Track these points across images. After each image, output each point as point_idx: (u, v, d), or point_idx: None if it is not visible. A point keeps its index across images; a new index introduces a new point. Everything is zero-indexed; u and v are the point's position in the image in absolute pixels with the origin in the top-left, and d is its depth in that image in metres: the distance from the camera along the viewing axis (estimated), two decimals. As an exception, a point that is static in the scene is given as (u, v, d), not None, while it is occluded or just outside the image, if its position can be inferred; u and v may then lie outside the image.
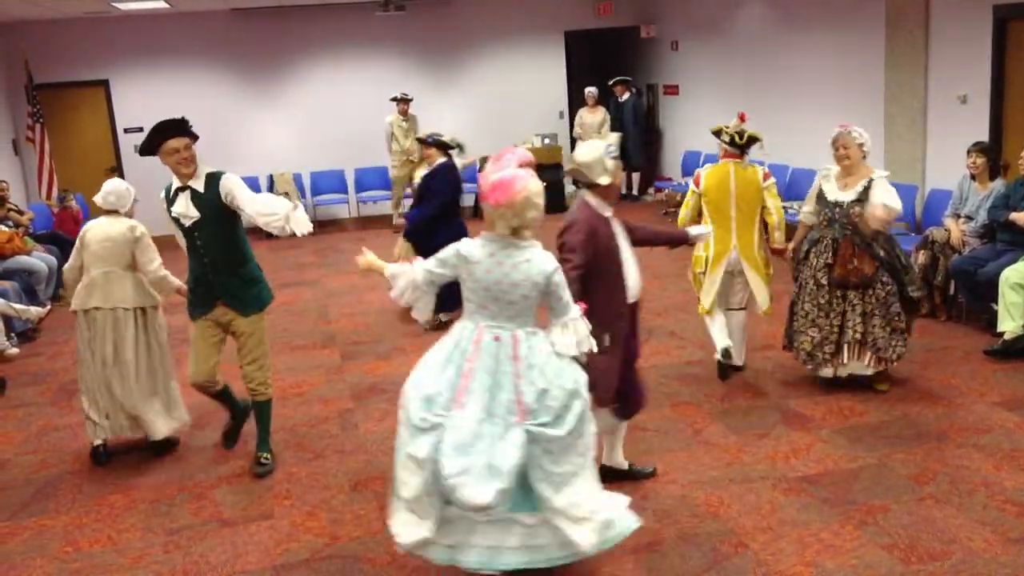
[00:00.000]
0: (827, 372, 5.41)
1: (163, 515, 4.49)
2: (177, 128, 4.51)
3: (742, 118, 5.73)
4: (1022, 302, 5.89)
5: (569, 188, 13.41)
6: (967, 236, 6.64)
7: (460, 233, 6.57)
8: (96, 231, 5.16)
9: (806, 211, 5.58)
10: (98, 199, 5.20)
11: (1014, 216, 6.21)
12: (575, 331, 3.50)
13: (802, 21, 9.73)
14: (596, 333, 3.69)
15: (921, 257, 6.84)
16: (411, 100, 12.07)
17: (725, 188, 5.54)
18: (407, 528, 3.41)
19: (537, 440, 3.32)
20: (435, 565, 3.78)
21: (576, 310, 3.52)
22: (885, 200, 5.13)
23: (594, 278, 3.91)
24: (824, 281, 5.31)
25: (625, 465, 4.52)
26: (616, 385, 4.09)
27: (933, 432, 4.89)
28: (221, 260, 4.70)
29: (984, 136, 7.15)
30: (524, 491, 3.35)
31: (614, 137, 4.56)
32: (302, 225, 4.41)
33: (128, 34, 12.32)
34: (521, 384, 3.36)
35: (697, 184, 5.68)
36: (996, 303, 6.08)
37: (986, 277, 6.18)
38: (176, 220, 4.65)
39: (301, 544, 4.13)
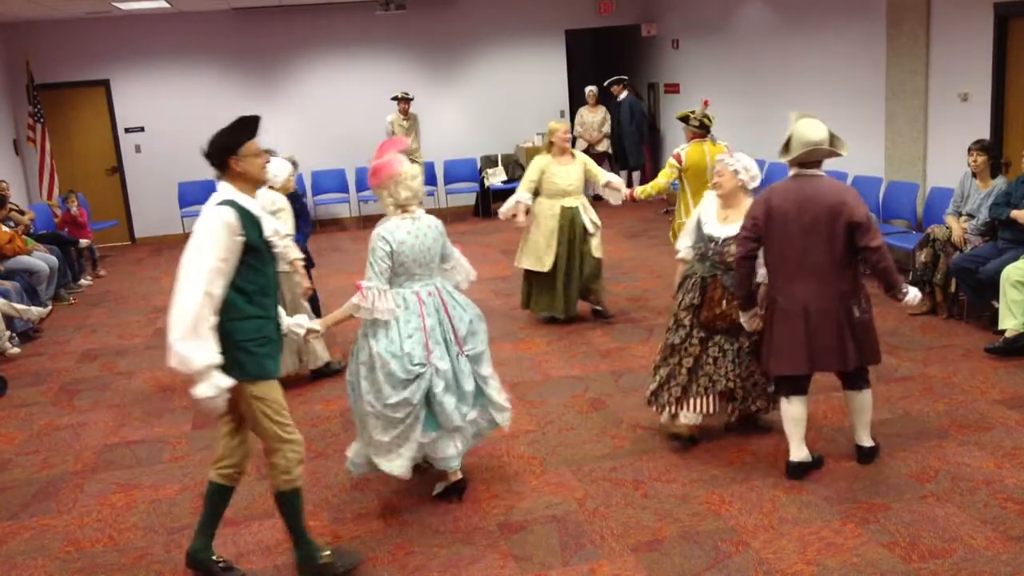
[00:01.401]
0: (664, 417, 4.79)
1: (164, 514, 4.49)
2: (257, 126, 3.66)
3: (706, 104, 7.08)
4: (1023, 300, 5.89)
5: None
6: (968, 234, 6.64)
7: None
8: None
9: (684, 245, 4.83)
10: None
11: (1015, 214, 6.20)
12: (462, 267, 4.52)
13: (803, 19, 9.72)
14: (862, 299, 4.28)
15: (922, 255, 6.84)
16: (412, 99, 12.07)
17: (702, 163, 6.70)
18: (397, 461, 4.21)
19: (471, 358, 4.34)
20: (433, 563, 3.83)
21: (457, 252, 4.50)
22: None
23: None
24: (687, 322, 4.61)
25: (871, 442, 4.59)
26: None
27: (934, 430, 4.88)
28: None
29: (985, 134, 7.14)
30: (475, 396, 4.39)
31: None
32: None
33: (129, 34, 12.32)
34: (454, 322, 4.29)
35: (680, 162, 6.79)
36: (997, 301, 6.08)
37: (987, 275, 6.18)
38: (269, 245, 3.63)
39: (302, 543, 4.13)
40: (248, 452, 3.80)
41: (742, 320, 4.49)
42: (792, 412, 4.38)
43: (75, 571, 4.03)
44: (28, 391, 6.58)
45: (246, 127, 3.56)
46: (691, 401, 4.66)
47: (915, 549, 3.73)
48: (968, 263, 6.38)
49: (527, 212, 7.02)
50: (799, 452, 4.42)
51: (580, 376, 6.09)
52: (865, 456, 4.53)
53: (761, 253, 4.35)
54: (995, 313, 6.15)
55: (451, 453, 4.29)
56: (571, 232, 6.90)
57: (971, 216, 6.71)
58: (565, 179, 6.93)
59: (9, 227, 8.63)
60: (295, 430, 3.68)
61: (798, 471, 4.40)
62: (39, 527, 4.46)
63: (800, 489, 4.31)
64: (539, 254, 6.96)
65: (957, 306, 6.76)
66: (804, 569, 3.65)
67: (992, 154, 6.67)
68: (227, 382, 3.36)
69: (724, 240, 4.51)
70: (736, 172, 4.51)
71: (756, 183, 4.53)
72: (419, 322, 4.18)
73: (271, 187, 5.92)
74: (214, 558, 3.83)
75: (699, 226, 4.69)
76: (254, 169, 3.56)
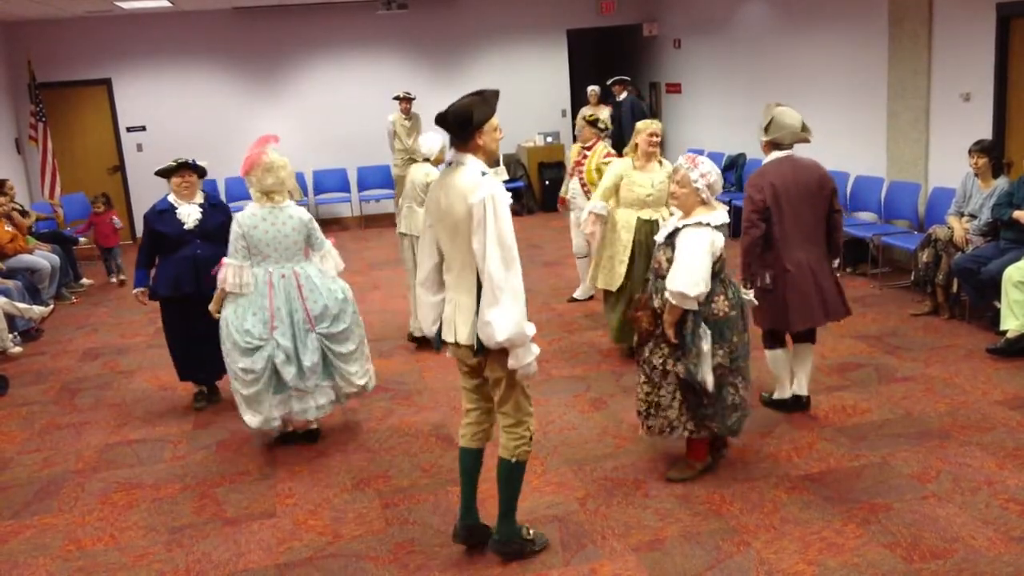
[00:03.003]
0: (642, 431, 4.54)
1: (165, 513, 4.50)
2: None
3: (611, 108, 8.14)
4: (1025, 300, 5.89)
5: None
6: (970, 234, 6.63)
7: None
8: (411, 172, 6.75)
9: None
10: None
11: (1018, 214, 6.20)
12: (332, 257, 5.09)
13: (805, 19, 9.72)
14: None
15: (924, 255, 6.84)
16: (413, 99, 12.04)
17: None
18: (253, 417, 4.93)
19: (327, 337, 4.95)
20: (434, 563, 3.84)
21: (328, 244, 5.09)
22: (673, 284, 4.02)
23: None
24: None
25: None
26: None
27: (936, 430, 4.88)
28: None
29: (987, 134, 7.13)
30: (325, 368, 5.01)
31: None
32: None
33: (131, 33, 12.32)
34: (307, 303, 4.88)
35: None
36: (999, 301, 6.07)
37: (989, 275, 6.17)
38: None
39: (303, 542, 4.13)
40: (495, 418, 3.89)
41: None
42: (782, 356, 5.12)
43: (76, 570, 4.03)
44: (29, 390, 6.58)
45: (489, 103, 3.56)
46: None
47: (916, 550, 3.73)
48: (970, 263, 6.37)
49: (602, 223, 6.25)
50: (787, 390, 5.19)
51: (581, 376, 6.08)
52: (806, 404, 5.21)
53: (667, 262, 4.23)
54: (997, 313, 6.14)
55: (304, 407, 4.99)
56: (647, 249, 5.86)
57: (973, 216, 6.71)
58: (645, 187, 6.01)
59: (10, 228, 8.62)
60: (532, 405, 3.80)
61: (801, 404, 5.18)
62: (40, 526, 4.47)
63: (801, 489, 4.30)
64: (609, 271, 6.17)
65: (959, 306, 6.76)
66: (805, 569, 3.64)
67: (993, 155, 6.66)
68: (538, 348, 3.57)
69: (658, 246, 4.28)
70: (697, 190, 4.13)
71: (715, 194, 4.17)
72: (265, 302, 4.83)
73: (426, 159, 6.65)
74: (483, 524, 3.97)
75: None
76: (493, 143, 3.62)
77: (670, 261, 4.16)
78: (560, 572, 3.75)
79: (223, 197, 12.40)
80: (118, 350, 7.53)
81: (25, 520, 4.54)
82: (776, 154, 4.92)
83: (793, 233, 4.84)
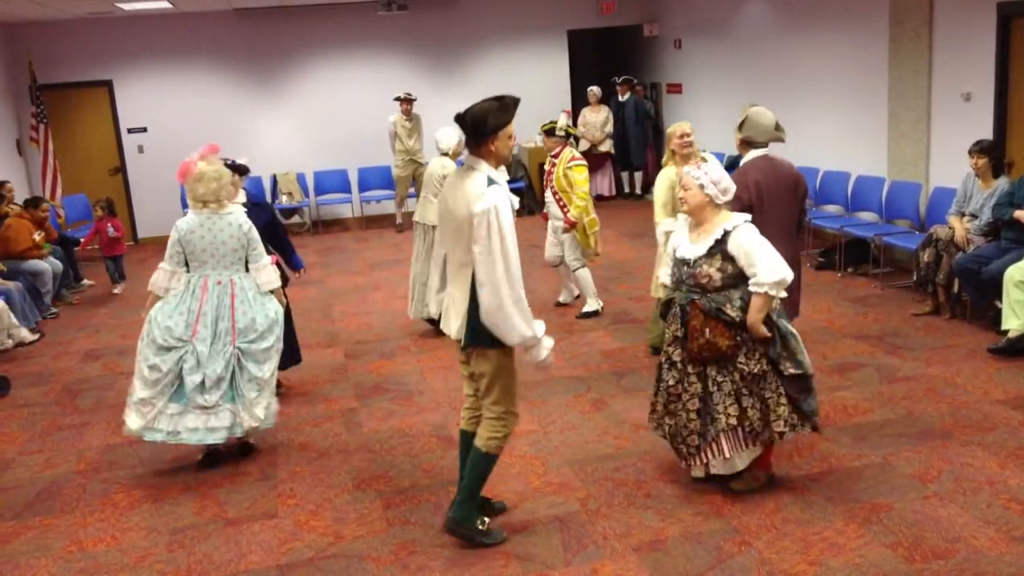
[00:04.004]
0: (698, 472, 4.37)
1: (167, 514, 4.50)
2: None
3: (568, 114, 7.90)
4: (1026, 300, 5.88)
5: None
6: (971, 234, 6.63)
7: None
8: (429, 165, 7.05)
9: (664, 273, 4.41)
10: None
11: (1019, 214, 6.20)
12: (264, 272, 4.93)
13: (806, 19, 9.72)
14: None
15: (925, 255, 6.83)
16: (414, 100, 12.07)
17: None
18: (134, 420, 4.77)
19: (246, 353, 4.81)
20: (436, 563, 3.84)
21: (266, 259, 4.98)
22: (771, 275, 3.95)
23: None
24: (676, 358, 4.19)
25: None
26: None
27: (937, 430, 4.88)
28: None
29: (988, 134, 7.13)
30: (231, 388, 4.82)
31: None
32: None
33: (131, 34, 12.33)
34: (236, 315, 4.81)
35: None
36: (1000, 301, 6.07)
37: (990, 275, 6.17)
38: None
39: (305, 543, 4.13)
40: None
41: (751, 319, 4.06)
42: None
43: (78, 571, 4.03)
44: (31, 391, 6.59)
45: (508, 110, 3.63)
46: (723, 446, 4.15)
47: (918, 549, 3.73)
48: (971, 263, 6.37)
49: None
50: None
51: (582, 376, 6.08)
52: None
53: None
54: (998, 313, 6.14)
55: (197, 427, 4.78)
56: None
57: (974, 216, 6.71)
58: None
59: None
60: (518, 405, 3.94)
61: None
62: (42, 527, 4.47)
63: (803, 489, 4.30)
64: None
65: (960, 306, 6.76)
66: (807, 569, 3.64)
67: (993, 155, 6.66)
68: (551, 340, 3.70)
69: (696, 260, 4.09)
70: (702, 186, 4.05)
71: (727, 197, 4.11)
72: (195, 304, 4.80)
73: (444, 153, 6.91)
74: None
75: (674, 252, 4.28)
76: (505, 149, 3.71)
77: (722, 271, 4.04)
78: (561, 572, 3.75)
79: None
80: (119, 351, 7.53)
81: (27, 521, 4.54)
82: (753, 153, 5.03)
83: (772, 230, 4.51)
